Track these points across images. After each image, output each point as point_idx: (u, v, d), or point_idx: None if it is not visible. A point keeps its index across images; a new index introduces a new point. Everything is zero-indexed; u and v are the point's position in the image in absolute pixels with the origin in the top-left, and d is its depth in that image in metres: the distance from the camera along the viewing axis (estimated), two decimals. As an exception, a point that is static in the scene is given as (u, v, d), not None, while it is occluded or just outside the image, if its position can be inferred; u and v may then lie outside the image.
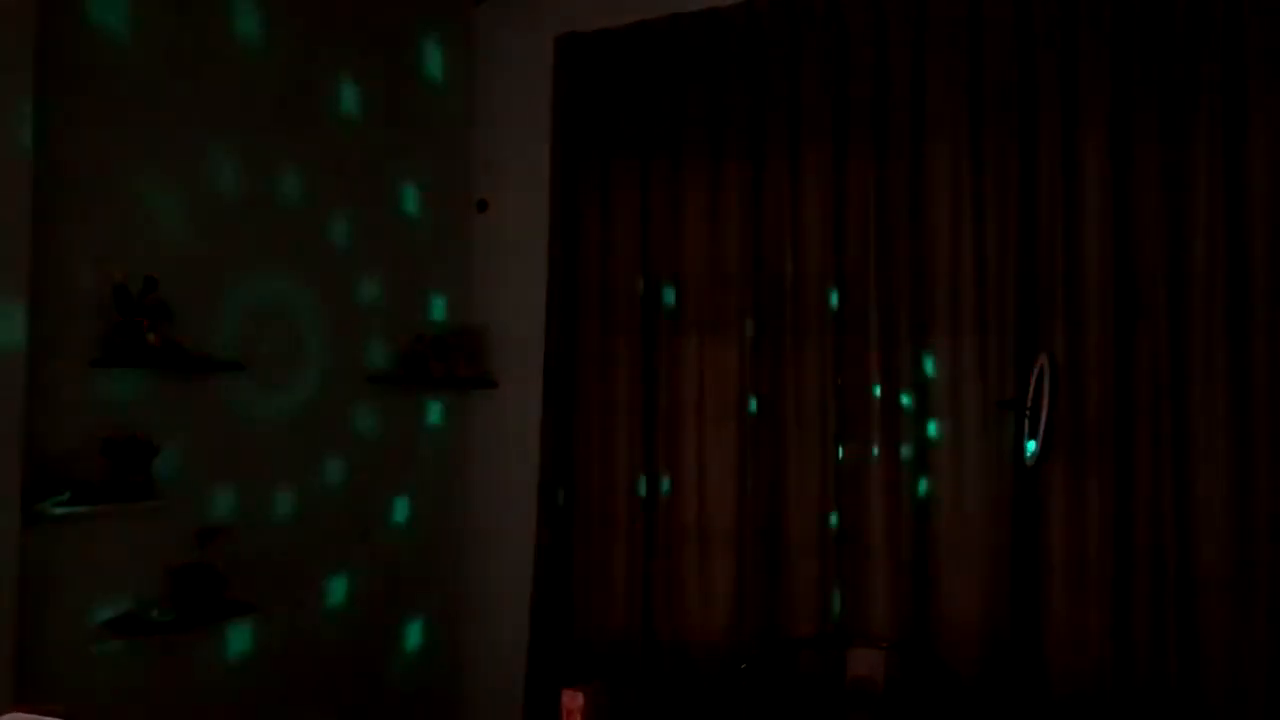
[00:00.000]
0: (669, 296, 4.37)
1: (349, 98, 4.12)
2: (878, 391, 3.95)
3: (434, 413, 4.59)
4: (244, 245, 3.66)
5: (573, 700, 4.03)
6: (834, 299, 4.05)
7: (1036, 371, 3.41)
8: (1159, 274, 3.58)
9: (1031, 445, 3.35)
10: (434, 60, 4.60)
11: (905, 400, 3.93)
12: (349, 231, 4.12)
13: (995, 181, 3.81)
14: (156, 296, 3.25)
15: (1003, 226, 3.79)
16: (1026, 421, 3.43)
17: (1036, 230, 3.75)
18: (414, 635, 4.45)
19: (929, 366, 3.92)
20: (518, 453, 4.60)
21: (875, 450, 3.95)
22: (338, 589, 4.06)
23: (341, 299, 4.09)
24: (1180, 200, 3.58)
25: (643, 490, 4.35)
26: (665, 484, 4.34)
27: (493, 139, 4.79)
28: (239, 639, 3.63)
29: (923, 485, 3.90)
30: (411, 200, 4.46)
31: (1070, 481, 3.67)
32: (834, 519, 4.01)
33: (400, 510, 4.38)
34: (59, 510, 2.99)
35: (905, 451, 3.92)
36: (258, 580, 3.64)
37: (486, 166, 4.79)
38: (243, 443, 3.64)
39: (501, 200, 4.78)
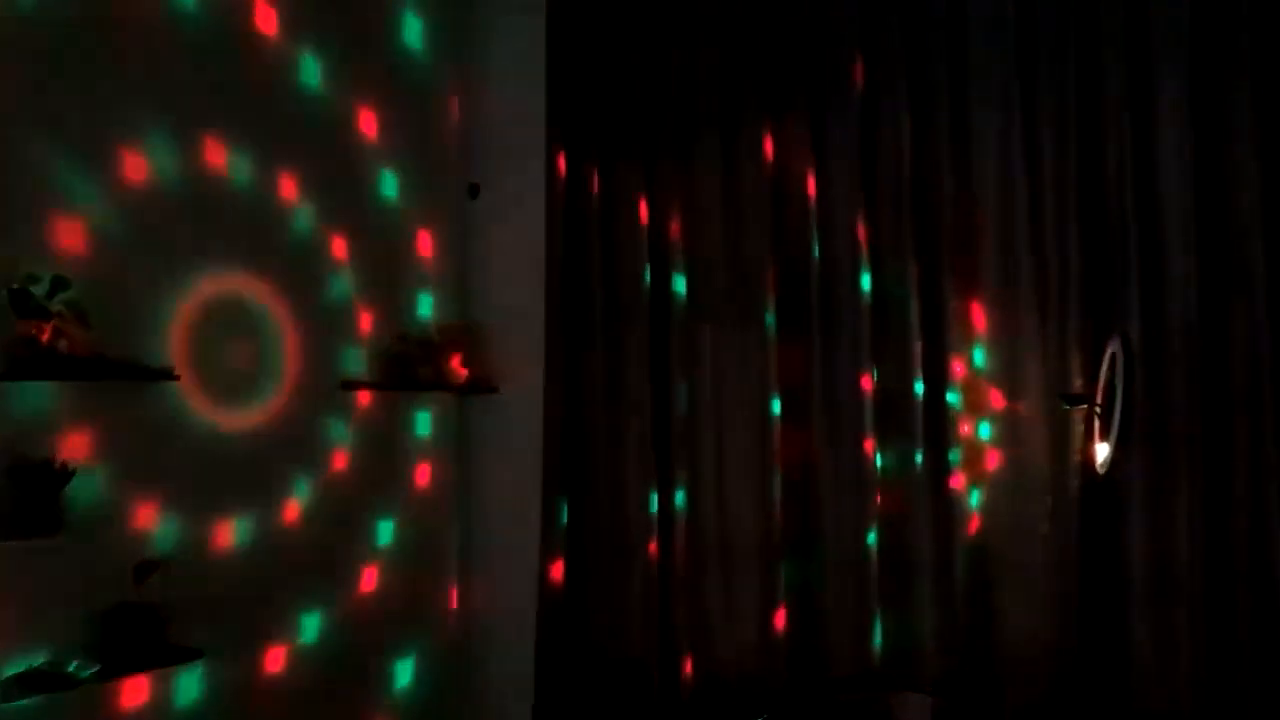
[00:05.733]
0: (680, 284, 3.87)
1: (310, 69, 3.67)
2: (920, 386, 3.44)
3: (422, 421, 4.12)
4: (186, 238, 3.22)
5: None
6: (866, 281, 3.53)
7: (1108, 358, 2.85)
8: (1256, 234, 3.01)
9: (1104, 449, 2.78)
10: (411, 25, 4.13)
11: (952, 395, 3.41)
12: (317, 220, 3.67)
13: (1052, 133, 3.30)
14: (68, 298, 2.81)
15: (1062, 186, 3.27)
16: (1097, 419, 2.86)
17: (1104, 188, 3.23)
18: (404, 674, 3.98)
19: (979, 356, 3.37)
20: (521, 463, 4.10)
21: (919, 454, 3.45)
22: (310, 626, 3.60)
23: (309, 296, 3.63)
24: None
25: (657, 503, 3.85)
26: (682, 495, 3.84)
27: (483, 114, 4.31)
28: (186, 687, 3.18)
29: (976, 494, 3.37)
30: (390, 185, 4.00)
31: (1153, 486, 3.12)
32: (873, 534, 3.48)
33: (384, 533, 3.92)
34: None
35: (954, 455, 3.41)
36: (208, 620, 3.18)
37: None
38: (185, 463, 3.20)
39: (497, 183, 4.30)
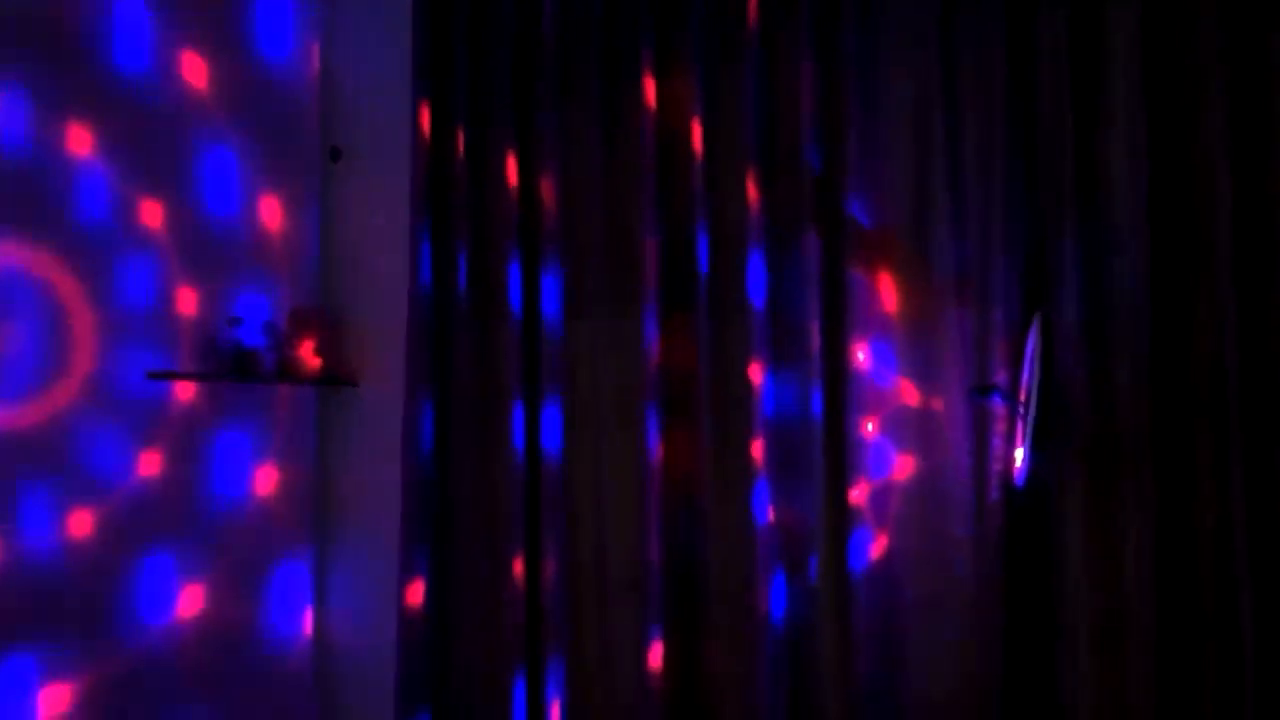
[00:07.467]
0: (554, 271, 3.38)
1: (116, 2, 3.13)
2: (819, 385, 2.95)
3: (264, 419, 3.57)
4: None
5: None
6: (759, 262, 3.02)
7: (1030, 344, 2.32)
8: (1222, 195, 2.60)
9: (1021, 453, 2.26)
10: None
11: (856, 395, 2.93)
12: (120, 182, 3.12)
13: (975, 83, 2.89)
14: None
15: (986, 143, 2.85)
16: (1020, 419, 2.34)
17: (1036, 146, 2.83)
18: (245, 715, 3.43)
19: (887, 347, 2.90)
20: (384, 465, 3.56)
21: (818, 464, 2.96)
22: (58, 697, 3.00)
23: (106, 270, 3.08)
24: (1253, 83, 2.59)
25: (527, 519, 3.35)
26: (556, 511, 3.32)
27: (345, 64, 3.78)
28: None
29: (881, 513, 2.87)
30: (224, 144, 3.45)
31: (1094, 504, 2.75)
32: (767, 561, 2.96)
33: (210, 549, 3.36)
34: None
35: (857, 464, 2.92)
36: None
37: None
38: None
39: (361, 145, 3.76)
